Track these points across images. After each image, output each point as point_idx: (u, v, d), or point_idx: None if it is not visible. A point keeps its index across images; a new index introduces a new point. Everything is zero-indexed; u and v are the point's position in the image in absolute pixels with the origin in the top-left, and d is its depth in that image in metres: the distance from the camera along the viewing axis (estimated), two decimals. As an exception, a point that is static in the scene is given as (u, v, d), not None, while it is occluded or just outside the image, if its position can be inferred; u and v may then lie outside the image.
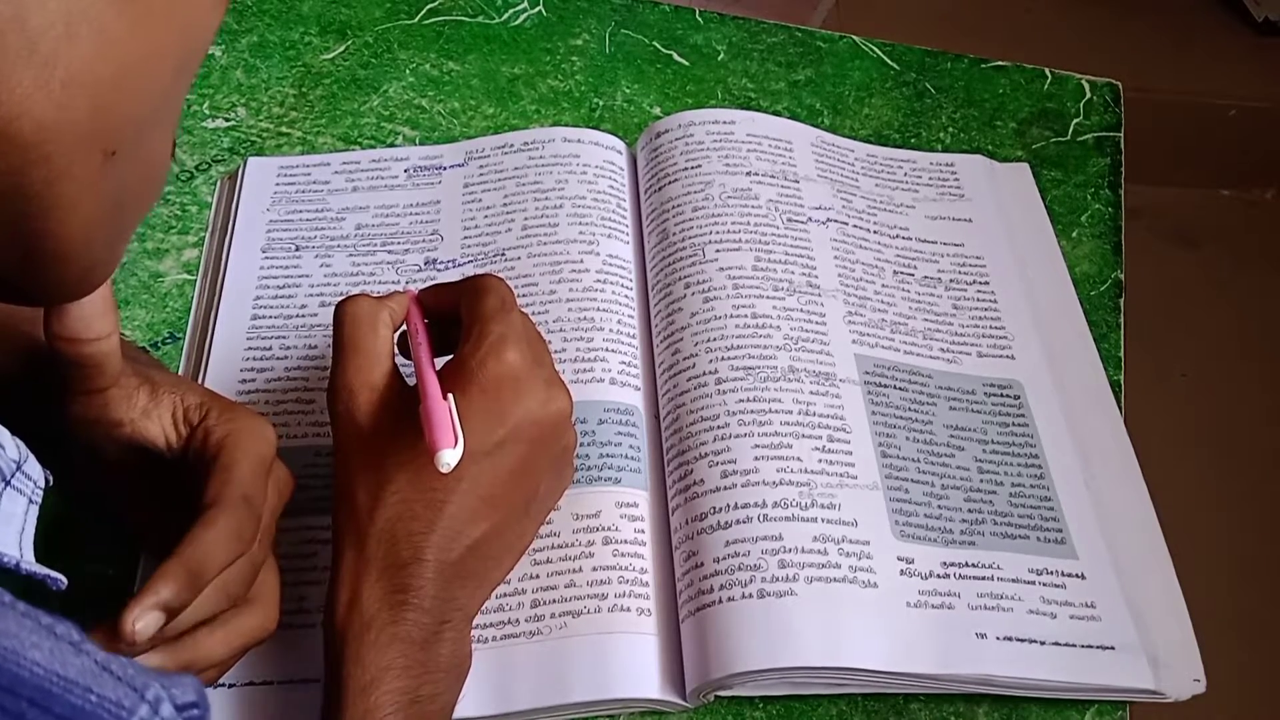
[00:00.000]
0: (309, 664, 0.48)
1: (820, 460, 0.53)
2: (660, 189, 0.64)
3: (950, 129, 0.73)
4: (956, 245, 0.65)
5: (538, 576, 0.50)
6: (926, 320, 0.61)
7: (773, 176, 0.65)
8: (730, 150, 0.65)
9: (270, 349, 0.59)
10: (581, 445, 0.53)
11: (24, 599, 0.26)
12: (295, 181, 0.66)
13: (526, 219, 0.63)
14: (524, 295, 0.59)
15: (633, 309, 0.60)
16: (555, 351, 0.57)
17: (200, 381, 0.57)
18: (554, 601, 0.50)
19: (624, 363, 0.57)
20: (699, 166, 0.64)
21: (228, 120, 0.70)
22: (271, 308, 0.60)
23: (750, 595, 0.48)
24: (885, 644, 0.48)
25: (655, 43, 0.76)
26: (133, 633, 0.37)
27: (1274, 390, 1.48)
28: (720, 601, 0.49)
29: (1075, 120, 0.74)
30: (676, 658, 0.49)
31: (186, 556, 0.39)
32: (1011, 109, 0.74)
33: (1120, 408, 0.59)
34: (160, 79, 0.28)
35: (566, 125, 0.71)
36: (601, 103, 0.73)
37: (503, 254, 0.62)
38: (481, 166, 0.66)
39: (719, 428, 0.54)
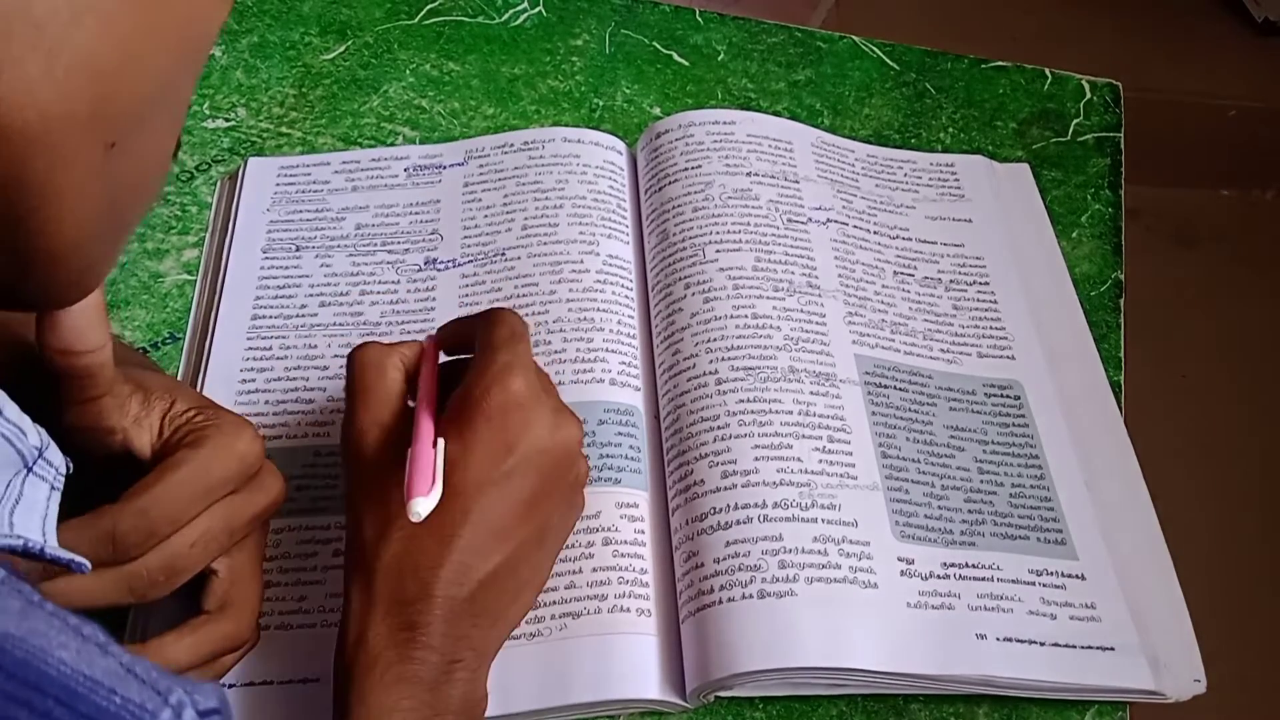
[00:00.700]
0: (309, 664, 0.48)
1: (820, 461, 0.53)
2: (660, 189, 0.64)
3: (950, 129, 0.73)
4: (957, 246, 0.65)
5: (538, 577, 0.50)
6: (927, 321, 0.61)
7: (773, 177, 0.65)
8: (730, 150, 0.65)
9: (270, 349, 0.58)
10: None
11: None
12: (295, 181, 0.66)
13: (526, 219, 0.63)
14: (524, 295, 0.60)
15: (633, 309, 0.60)
16: (555, 351, 0.57)
17: (200, 381, 0.57)
18: (554, 602, 0.50)
19: (624, 363, 0.57)
20: (699, 167, 0.64)
21: (228, 120, 0.70)
22: (271, 308, 0.60)
23: (750, 596, 0.48)
24: (885, 644, 0.48)
25: (655, 43, 0.76)
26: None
27: (1274, 390, 1.48)
28: (720, 602, 0.49)
29: (1075, 120, 0.74)
30: (677, 658, 0.49)
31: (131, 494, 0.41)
32: (1012, 109, 0.74)
33: (1120, 408, 0.59)
34: (163, 69, 0.28)
35: (566, 125, 0.71)
36: (601, 103, 0.73)
37: (503, 254, 0.62)
38: (481, 166, 0.66)
39: (719, 428, 0.54)
